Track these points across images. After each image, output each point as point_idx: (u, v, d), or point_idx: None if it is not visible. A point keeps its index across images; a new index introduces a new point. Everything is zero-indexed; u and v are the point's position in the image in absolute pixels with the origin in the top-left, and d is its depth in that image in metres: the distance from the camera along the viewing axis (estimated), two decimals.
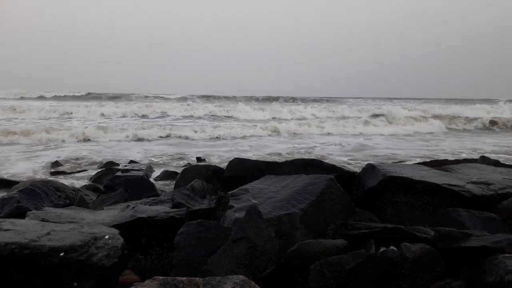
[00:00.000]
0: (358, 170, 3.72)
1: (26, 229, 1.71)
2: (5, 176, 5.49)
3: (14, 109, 15.77)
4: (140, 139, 10.60)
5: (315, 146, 10.08)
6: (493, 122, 17.65)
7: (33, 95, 26.56)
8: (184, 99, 27.88)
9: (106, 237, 1.77)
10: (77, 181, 5.41)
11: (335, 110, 21.02)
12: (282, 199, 2.72)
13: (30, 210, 2.71)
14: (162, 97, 28.99)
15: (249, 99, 29.53)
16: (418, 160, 6.68)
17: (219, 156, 8.18)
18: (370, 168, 3.35)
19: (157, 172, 5.88)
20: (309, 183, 2.88)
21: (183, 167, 5.45)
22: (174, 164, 7.03)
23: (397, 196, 3.02)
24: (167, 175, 5.55)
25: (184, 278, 1.55)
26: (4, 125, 12.10)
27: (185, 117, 17.83)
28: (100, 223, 2.41)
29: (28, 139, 9.44)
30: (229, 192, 3.07)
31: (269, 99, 30.35)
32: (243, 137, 11.86)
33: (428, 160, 6.00)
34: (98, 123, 13.75)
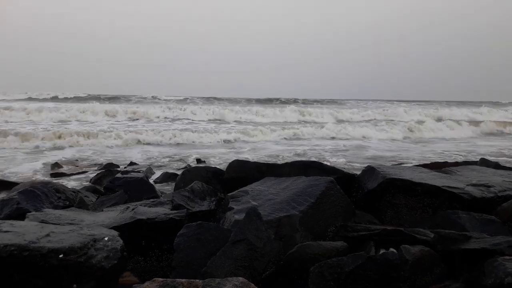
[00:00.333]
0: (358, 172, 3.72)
1: (25, 231, 1.71)
2: (6, 177, 5.49)
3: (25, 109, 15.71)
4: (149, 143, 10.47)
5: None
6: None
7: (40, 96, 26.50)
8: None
9: (106, 238, 1.77)
10: (77, 183, 5.42)
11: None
12: (282, 201, 2.72)
13: (30, 212, 2.71)
14: (160, 99, 28.83)
15: (250, 101, 29.49)
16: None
17: (219, 158, 8.18)
18: (370, 170, 3.35)
19: (157, 174, 5.89)
20: (309, 185, 2.88)
21: (183, 169, 5.45)
22: (174, 166, 7.03)
23: (397, 198, 3.02)
24: (167, 177, 5.55)
25: (183, 280, 1.55)
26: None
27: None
28: (100, 225, 2.41)
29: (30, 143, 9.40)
30: (229, 194, 3.07)
31: (270, 100, 30.32)
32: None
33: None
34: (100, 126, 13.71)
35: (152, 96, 29.73)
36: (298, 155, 8.83)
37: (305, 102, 31.11)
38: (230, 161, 4.07)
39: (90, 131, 11.01)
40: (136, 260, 2.42)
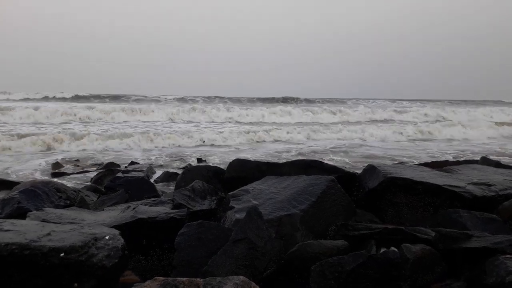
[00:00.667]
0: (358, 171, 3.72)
1: (26, 230, 1.71)
2: (8, 176, 5.50)
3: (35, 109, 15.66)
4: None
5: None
6: None
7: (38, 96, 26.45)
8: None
9: (107, 237, 1.77)
10: (78, 182, 5.42)
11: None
12: (283, 200, 2.72)
13: (31, 211, 2.71)
14: (159, 99, 28.68)
15: (252, 100, 29.41)
16: None
17: (220, 157, 8.18)
18: (370, 169, 3.35)
19: (157, 173, 5.89)
20: (309, 184, 2.88)
21: (184, 168, 5.45)
22: (175, 165, 7.04)
23: (398, 197, 3.02)
24: (167, 176, 5.56)
25: (184, 279, 1.55)
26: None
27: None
28: (101, 224, 2.41)
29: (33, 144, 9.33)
30: (230, 193, 3.07)
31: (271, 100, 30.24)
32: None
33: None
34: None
35: (161, 95, 29.47)
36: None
37: (308, 101, 31.08)
38: (231, 160, 4.07)
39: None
40: (137, 259, 2.42)
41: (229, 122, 17.15)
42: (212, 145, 10.37)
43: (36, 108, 15.89)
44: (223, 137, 11.01)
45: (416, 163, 6.49)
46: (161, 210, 2.73)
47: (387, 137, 12.98)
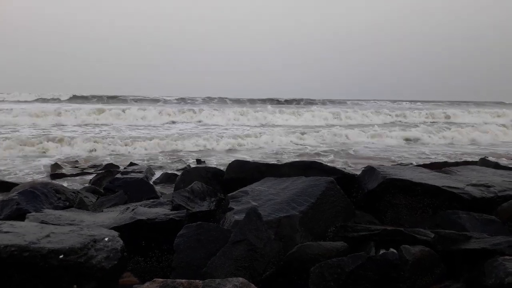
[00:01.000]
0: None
1: (25, 231, 1.71)
2: (5, 178, 5.49)
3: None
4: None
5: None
6: None
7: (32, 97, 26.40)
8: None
9: (106, 239, 1.77)
10: (77, 183, 5.41)
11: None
12: (282, 201, 2.72)
13: (30, 212, 2.71)
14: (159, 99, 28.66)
15: (253, 101, 29.35)
16: None
17: (219, 158, 8.18)
18: (370, 171, 3.35)
19: (157, 175, 5.88)
20: (309, 185, 2.88)
21: (183, 170, 5.45)
22: (174, 167, 7.03)
23: (397, 198, 3.02)
24: (167, 178, 5.55)
25: (183, 280, 1.55)
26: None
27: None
28: (100, 225, 2.41)
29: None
30: (229, 194, 3.07)
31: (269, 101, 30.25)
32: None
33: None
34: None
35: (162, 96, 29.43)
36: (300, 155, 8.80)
37: (308, 102, 31.08)
38: (230, 161, 4.07)
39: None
40: (136, 260, 2.42)
41: (233, 123, 17.11)
42: (213, 148, 10.35)
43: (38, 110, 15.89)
44: (224, 139, 11.00)
45: (415, 164, 6.50)
46: (160, 212, 2.73)
47: (388, 138, 12.99)
